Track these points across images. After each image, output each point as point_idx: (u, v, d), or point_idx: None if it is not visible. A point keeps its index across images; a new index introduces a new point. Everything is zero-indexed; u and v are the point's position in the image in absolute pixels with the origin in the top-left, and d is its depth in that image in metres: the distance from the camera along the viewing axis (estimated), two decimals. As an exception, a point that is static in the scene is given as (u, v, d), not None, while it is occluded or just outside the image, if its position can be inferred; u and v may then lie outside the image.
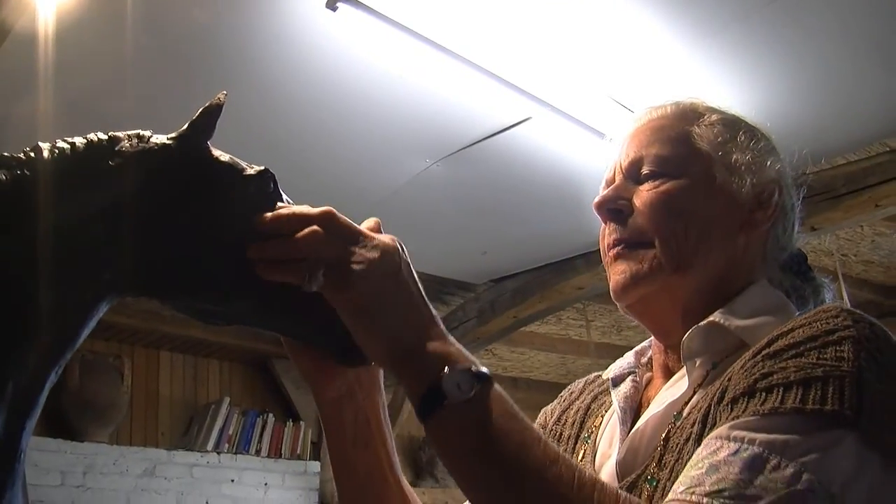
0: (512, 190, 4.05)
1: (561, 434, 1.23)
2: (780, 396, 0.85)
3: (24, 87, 2.80)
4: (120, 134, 0.94)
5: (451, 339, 0.92)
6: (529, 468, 0.83)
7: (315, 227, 0.89)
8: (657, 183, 1.12)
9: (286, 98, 3.28)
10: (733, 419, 0.87)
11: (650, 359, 1.20)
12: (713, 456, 0.84)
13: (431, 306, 0.94)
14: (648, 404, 1.11)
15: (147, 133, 0.95)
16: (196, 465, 5.42)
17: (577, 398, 1.28)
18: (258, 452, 5.78)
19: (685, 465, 0.90)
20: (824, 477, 0.80)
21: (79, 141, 0.92)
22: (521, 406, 0.89)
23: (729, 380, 0.94)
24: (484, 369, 0.89)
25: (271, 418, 5.91)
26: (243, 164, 0.96)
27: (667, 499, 0.85)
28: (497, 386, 0.88)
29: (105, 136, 0.93)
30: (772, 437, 0.83)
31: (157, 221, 0.91)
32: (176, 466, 5.32)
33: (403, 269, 0.92)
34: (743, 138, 1.14)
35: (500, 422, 0.85)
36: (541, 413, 1.31)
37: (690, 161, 1.13)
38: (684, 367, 1.06)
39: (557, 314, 5.74)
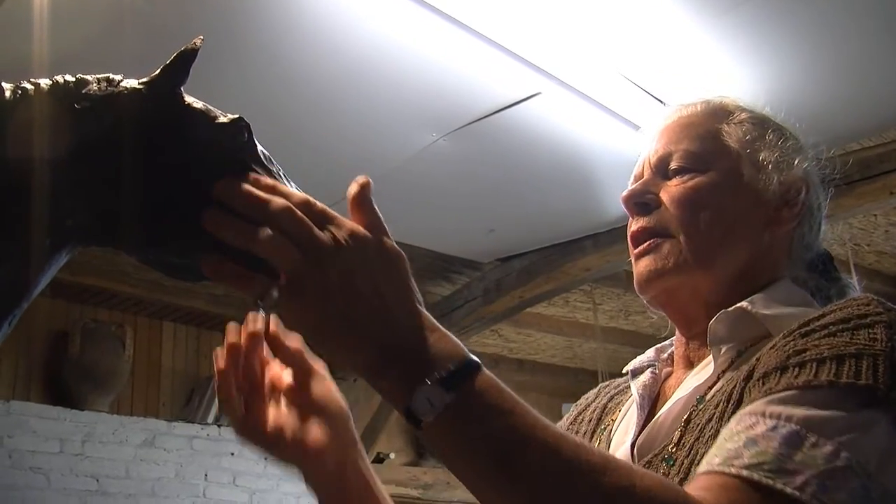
0: (520, 167, 3.99)
1: (577, 433, 1.23)
2: (813, 370, 0.86)
3: (20, 39, 2.75)
4: (88, 77, 0.90)
5: (427, 332, 0.80)
6: (524, 469, 0.77)
7: (270, 230, 0.77)
8: (685, 178, 1.14)
9: (290, 67, 3.21)
10: (766, 392, 0.86)
11: (670, 354, 1.21)
12: (750, 430, 0.83)
13: (411, 295, 0.81)
14: (667, 395, 1.13)
15: (117, 77, 0.90)
16: (196, 437, 5.40)
17: (593, 401, 1.29)
18: (259, 426, 5.74)
19: (707, 443, 0.90)
20: (861, 456, 0.81)
21: (44, 82, 0.88)
22: (526, 388, 0.83)
23: (757, 359, 0.94)
24: (467, 359, 0.79)
25: (273, 393, 5.87)
26: (217, 111, 0.92)
27: (701, 470, 0.84)
28: (480, 380, 0.78)
29: (72, 78, 0.89)
30: (809, 413, 0.83)
31: (123, 168, 0.87)
32: (176, 438, 5.30)
33: (369, 271, 0.79)
34: (771, 136, 1.16)
35: (482, 426, 0.77)
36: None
37: (718, 157, 1.15)
38: (710, 355, 1.06)
39: (564, 296, 5.69)
